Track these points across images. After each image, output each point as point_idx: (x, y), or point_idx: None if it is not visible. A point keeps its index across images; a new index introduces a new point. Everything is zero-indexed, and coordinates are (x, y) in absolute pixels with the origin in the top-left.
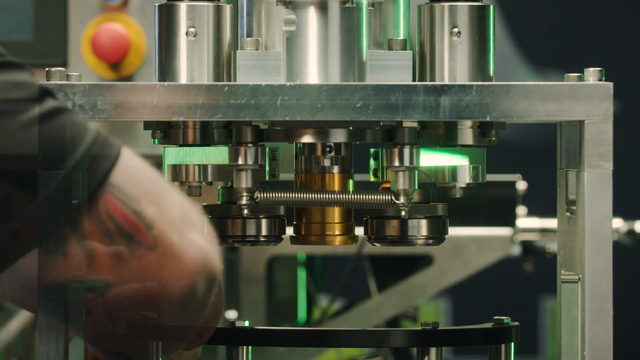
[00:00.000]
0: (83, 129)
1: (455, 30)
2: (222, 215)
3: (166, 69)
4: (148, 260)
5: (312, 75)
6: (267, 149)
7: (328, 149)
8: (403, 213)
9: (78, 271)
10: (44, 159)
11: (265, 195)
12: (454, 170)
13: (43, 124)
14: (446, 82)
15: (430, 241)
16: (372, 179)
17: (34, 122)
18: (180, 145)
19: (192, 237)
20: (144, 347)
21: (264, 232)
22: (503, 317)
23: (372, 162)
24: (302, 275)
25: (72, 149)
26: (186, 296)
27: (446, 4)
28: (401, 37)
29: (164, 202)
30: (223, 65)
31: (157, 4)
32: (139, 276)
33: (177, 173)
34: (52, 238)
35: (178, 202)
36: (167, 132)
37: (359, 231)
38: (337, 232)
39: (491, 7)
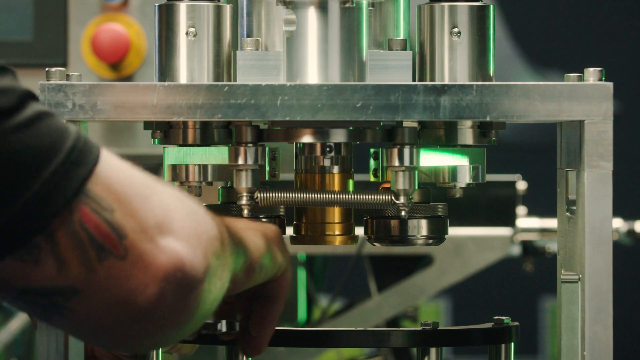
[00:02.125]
0: (64, 133)
1: (455, 30)
2: (222, 216)
3: (166, 69)
4: (117, 270)
5: (312, 75)
6: (267, 149)
7: (328, 149)
8: (403, 213)
9: (47, 278)
10: (21, 166)
11: (265, 195)
12: (454, 170)
13: (24, 130)
14: (446, 82)
15: (430, 241)
16: (372, 179)
17: (15, 129)
18: (180, 145)
19: (166, 243)
20: None
21: None
22: (503, 317)
23: (372, 162)
24: (302, 275)
25: (51, 156)
26: (153, 304)
27: (446, 4)
28: (401, 37)
29: (141, 209)
30: (223, 65)
31: (157, 4)
32: (106, 285)
33: (177, 173)
34: (25, 246)
35: (158, 206)
36: (167, 132)
37: (359, 231)
38: (337, 232)
39: (491, 7)
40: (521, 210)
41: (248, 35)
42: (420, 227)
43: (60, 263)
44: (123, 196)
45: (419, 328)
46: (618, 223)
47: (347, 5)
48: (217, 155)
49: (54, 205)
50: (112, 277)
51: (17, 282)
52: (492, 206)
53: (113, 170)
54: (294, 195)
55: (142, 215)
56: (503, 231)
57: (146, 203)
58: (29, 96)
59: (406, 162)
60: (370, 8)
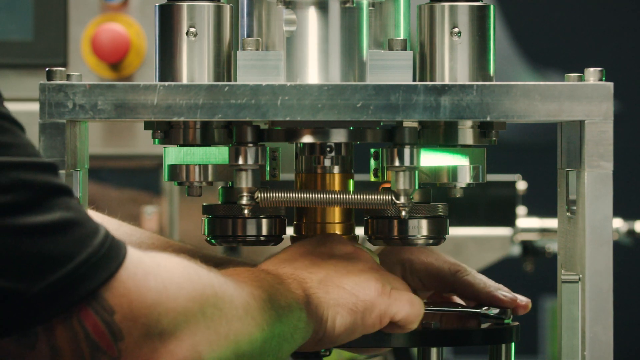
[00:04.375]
0: (82, 244)
1: (456, 30)
2: (222, 215)
3: (166, 69)
4: None
5: (313, 75)
6: (267, 149)
7: (328, 149)
8: (403, 213)
9: None
10: (29, 266)
11: (265, 195)
12: (454, 170)
13: (39, 234)
14: (446, 82)
15: (431, 241)
16: (372, 179)
17: (31, 230)
18: (181, 145)
19: (166, 351)
20: None
21: (264, 232)
22: (503, 317)
23: (372, 162)
24: None
25: (61, 265)
26: None
27: (446, 4)
28: (401, 37)
29: (146, 315)
30: (223, 65)
31: (157, 4)
32: None
33: (178, 173)
34: (25, 333)
35: (171, 312)
36: (168, 132)
37: (359, 231)
38: (337, 232)
39: (491, 7)
40: (521, 210)
41: (248, 35)
42: (421, 227)
43: (54, 353)
44: (129, 302)
45: (419, 328)
46: (618, 223)
47: (347, 5)
48: (218, 155)
49: (55, 306)
50: None
51: None
52: (492, 206)
53: (129, 276)
54: (294, 195)
55: (145, 322)
56: (503, 231)
57: (154, 309)
58: (61, 193)
59: (406, 162)
60: (371, 8)
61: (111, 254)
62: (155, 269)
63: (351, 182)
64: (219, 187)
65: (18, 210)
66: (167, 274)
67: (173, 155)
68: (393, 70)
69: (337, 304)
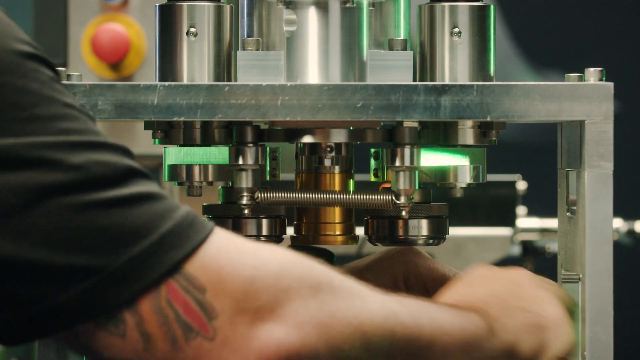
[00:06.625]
0: (164, 216)
1: (456, 30)
2: (222, 215)
3: (166, 69)
4: (205, 350)
5: (313, 75)
6: (267, 149)
7: (329, 149)
8: (404, 213)
9: (135, 353)
10: (108, 240)
11: (265, 195)
12: (454, 170)
13: (118, 206)
14: (447, 82)
15: (431, 241)
16: (372, 179)
17: (105, 204)
18: (181, 145)
19: (265, 329)
20: None
21: (264, 232)
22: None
23: (372, 162)
24: None
25: (141, 237)
26: None
27: (446, 4)
28: (402, 37)
29: (240, 291)
30: (223, 65)
31: (157, 4)
32: None
33: (178, 173)
34: (107, 315)
35: (269, 288)
36: (168, 132)
37: (360, 231)
38: (337, 232)
39: (491, 7)
40: (521, 210)
41: (249, 35)
42: (421, 227)
43: (146, 339)
44: (222, 278)
45: None
46: (618, 223)
47: (347, 5)
48: (218, 155)
49: (139, 281)
50: (199, 357)
51: (107, 353)
52: (492, 206)
53: (220, 252)
54: (294, 195)
55: (240, 298)
56: (503, 231)
57: (251, 285)
58: (135, 173)
59: (407, 162)
60: (371, 8)
61: (195, 228)
62: (252, 249)
63: (351, 182)
64: (219, 187)
65: (90, 185)
66: (268, 254)
67: (173, 155)
68: (393, 70)
69: (521, 325)
